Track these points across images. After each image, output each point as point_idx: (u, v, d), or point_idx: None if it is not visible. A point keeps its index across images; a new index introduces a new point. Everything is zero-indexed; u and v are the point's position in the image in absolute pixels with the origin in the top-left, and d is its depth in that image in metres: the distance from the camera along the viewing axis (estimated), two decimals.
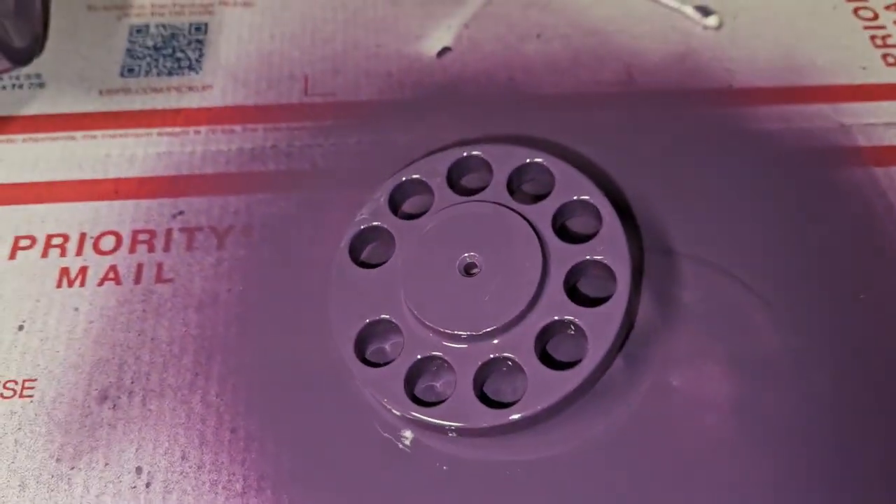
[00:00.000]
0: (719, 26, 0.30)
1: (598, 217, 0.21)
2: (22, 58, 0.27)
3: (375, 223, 0.23)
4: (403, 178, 0.23)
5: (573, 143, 0.25)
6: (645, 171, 0.25)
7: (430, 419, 0.19)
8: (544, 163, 0.22)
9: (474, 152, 0.23)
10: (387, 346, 0.21)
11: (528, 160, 0.22)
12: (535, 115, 0.27)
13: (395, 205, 0.23)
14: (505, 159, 0.23)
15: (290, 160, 0.26)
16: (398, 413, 0.20)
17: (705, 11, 0.30)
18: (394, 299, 0.21)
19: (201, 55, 0.29)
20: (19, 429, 0.21)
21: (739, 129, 0.26)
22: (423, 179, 0.23)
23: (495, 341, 0.20)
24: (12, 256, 0.24)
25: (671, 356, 0.21)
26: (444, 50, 0.29)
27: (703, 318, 0.22)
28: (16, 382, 0.21)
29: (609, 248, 0.21)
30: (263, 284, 0.23)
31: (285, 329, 0.22)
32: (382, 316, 0.21)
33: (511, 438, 0.20)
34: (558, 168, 0.22)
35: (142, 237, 0.24)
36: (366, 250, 0.23)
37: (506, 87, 0.28)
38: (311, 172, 0.25)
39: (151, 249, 0.24)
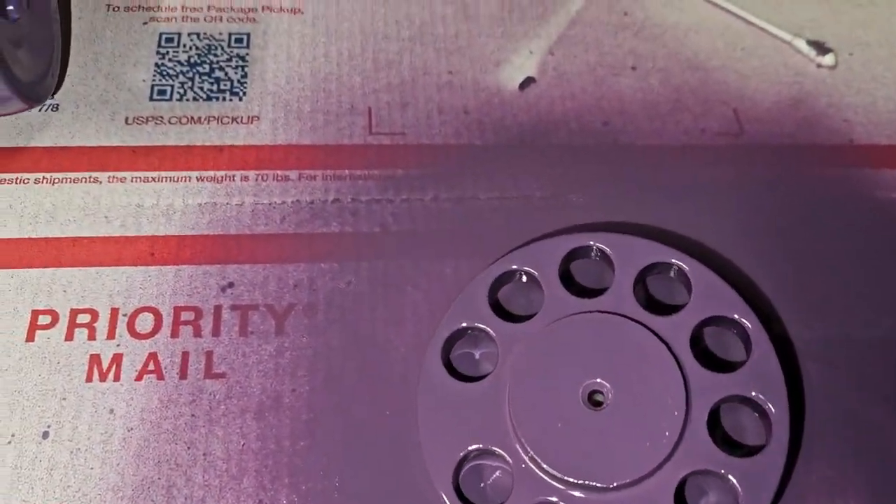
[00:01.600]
0: (835, 66, 0.26)
1: (746, 339, 0.18)
2: (36, 95, 0.22)
3: (473, 324, 0.19)
4: (505, 269, 0.19)
5: (690, 228, 0.22)
6: (768, 250, 0.22)
7: None
8: (682, 267, 0.19)
9: (593, 244, 0.19)
10: (489, 483, 0.18)
11: (657, 259, 0.19)
12: (637, 173, 0.23)
13: (494, 300, 0.19)
14: (629, 256, 0.19)
15: (357, 219, 0.22)
16: None
17: (820, 48, 0.26)
18: (499, 425, 0.18)
19: (245, 75, 0.24)
20: None
21: (861, 195, 0.23)
22: (531, 272, 0.19)
23: (627, 493, 0.17)
24: (31, 338, 0.20)
25: None
26: (528, 81, 0.25)
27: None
28: None
29: (762, 383, 0.17)
30: (334, 384, 0.20)
31: (365, 446, 0.19)
32: (486, 446, 0.18)
33: None
34: (697, 274, 0.19)
35: (185, 316, 0.20)
36: (459, 351, 0.19)
37: (601, 134, 0.24)
38: (382, 236, 0.22)
39: (198, 333, 0.20)
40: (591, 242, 0.19)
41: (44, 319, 0.20)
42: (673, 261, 0.19)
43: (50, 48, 0.23)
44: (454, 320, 0.19)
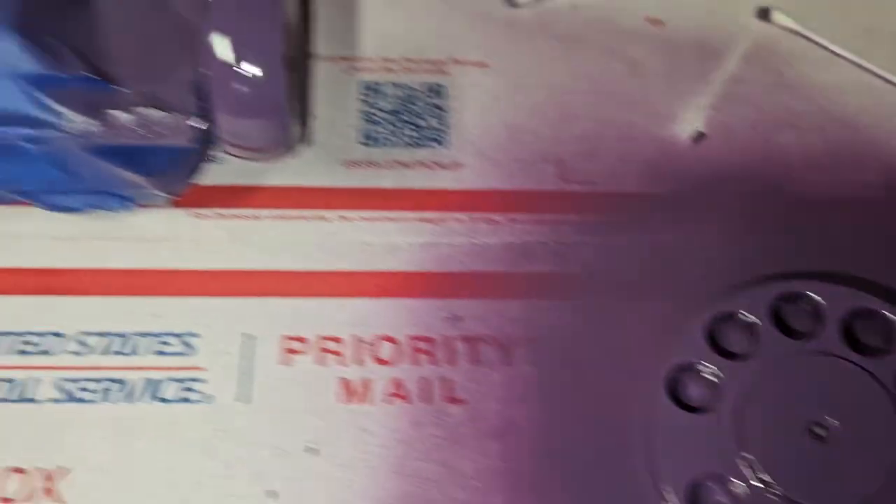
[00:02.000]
0: None
1: None
2: (292, 144, 0.24)
3: (694, 360, 0.21)
4: (722, 310, 0.22)
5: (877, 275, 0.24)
6: None
7: None
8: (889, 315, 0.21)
9: (805, 291, 0.21)
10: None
11: (864, 306, 0.21)
12: (810, 222, 0.25)
13: (710, 338, 0.22)
14: (838, 303, 0.21)
15: (564, 260, 0.24)
16: None
17: None
18: (729, 453, 0.20)
19: (444, 124, 0.27)
20: None
21: None
22: (745, 314, 0.21)
23: None
24: (285, 361, 0.22)
25: None
26: (699, 134, 0.27)
27: None
28: None
29: None
30: (561, 413, 0.22)
31: (595, 471, 0.21)
32: (718, 471, 0.20)
33: None
34: None
35: (421, 345, 0.22)
36: (680, 385, 0.22)
37: (770, 185, 0.26)
38: (588, 277, 0.24)
39: (435, 362, 0.22)
40: (805, 291, 0.21)
41: (295, 345, 0.22)
42: (879, 308, 0.21)
43: (301, 101, 0.25)
44: (675, 356, 0.21)
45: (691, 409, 0.21)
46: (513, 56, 0.28)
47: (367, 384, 0.22)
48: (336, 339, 0.22)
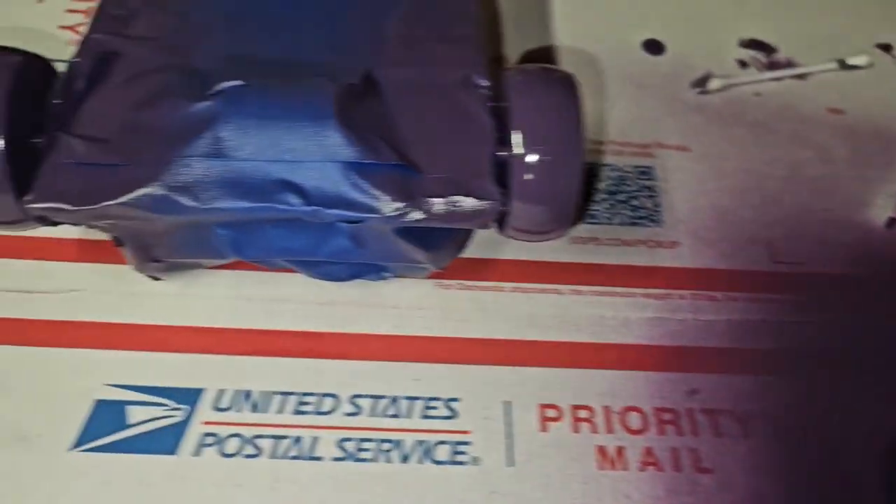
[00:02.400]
0: None
1: None
2: None
3: None
4: None
5: None
6: None
7: None
8: None
9: None
10: None
11: None
12: None
13: None
14: None
15: (783, 337, 0.26)
16: None
17: None
18: None
19: (657, 204, 0.28)
20: None
21: None
22: None
23: None
24: (543, 429, 0.23)
25: None
26: (891, 221, 0.29)
27: None
28: None
29: None
30: (801, 482, 0.23)
31: None
32: None
33: None
34: None
35: (665, 417, 0.24)
36: None
37: None
38: (807, 352, 0.25)
39: (680, 433, 0.24)
40: None
41: (550, 413, 0.24)
42: None
43: None
44: None
45: None
46: (709, 140, 0.30)
47: (621, 451, 0.23)
48: (587, 408, 0.24)
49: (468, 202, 0.21)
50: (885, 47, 0.34)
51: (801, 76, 0.33)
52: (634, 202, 0.28)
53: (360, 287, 0.25)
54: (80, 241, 0.25)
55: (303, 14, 0.24)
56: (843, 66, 0.33)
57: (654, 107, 0.31)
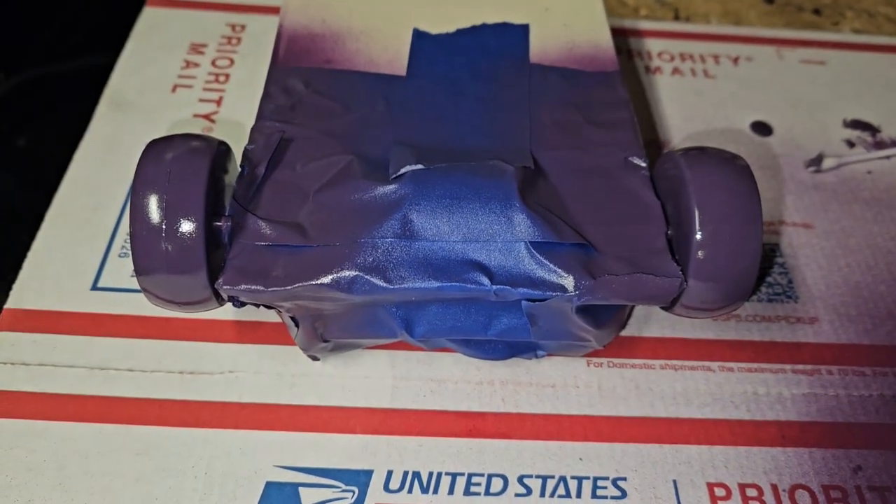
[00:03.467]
0: None
1: None
2: None
3: None
4: None
5: None
6: None
7: None
8: None
9: None
10: None
11: None
12: None
13: None
14: None
15: None
16: None
17: None
18: None
19: (790, 281, 0.29)
20: None
21: None
22: None
23: None
24: None
25: None
26: None
27: None
28: None
29: None
30: None
31: None
32: None
33: None
34: None
35: (834, 494, 0.24)
36: None
37: None
38: None
39: None
40: None
41: (719, 492, 0.24)
42: None
43: None
44: None
45: None
46: (831, 217, 0.31)
47: None
48: (755, 486, 0.24)
49: (651, 280, 0.21)
50: None
51: None
52: (769, 279, 0.29)
53: (515, 365, 0.26)
54: (238, 323, 0.26)
55: (459, 103, 0.25)
56: None
57: (772, 186, 0.32)
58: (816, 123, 0.35)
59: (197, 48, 0.35)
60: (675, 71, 0.36)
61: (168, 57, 0.34)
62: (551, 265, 0.21)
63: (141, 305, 0.26)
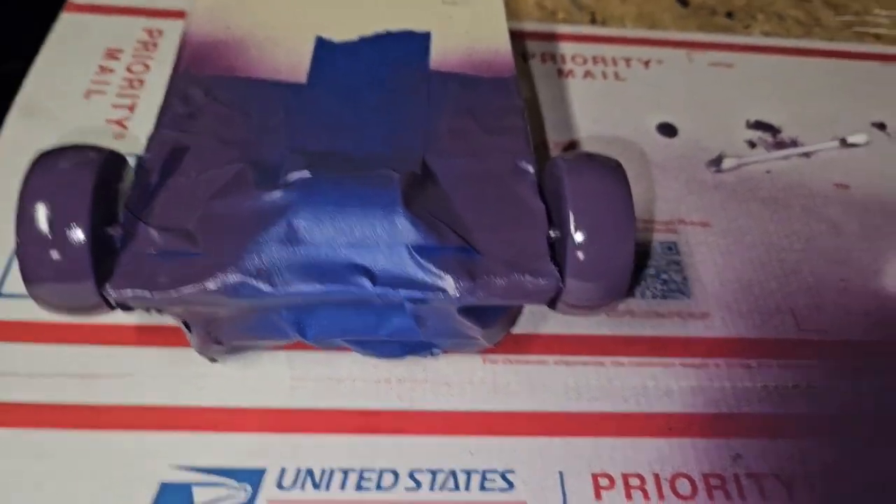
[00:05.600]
0: None
1: None
2: None
3: None
4: None
5: None
6: None
7: None
8: None
9: None
10: None
11: None
12: None
13: None
14: None
15: (818, 402, 0.27)
16: None
17: None
18: None
19: (685, 278, 0.30)
20: None
21: None
22: None
23: None
24: (598, 497, 0.24)
25: None
26: None
27: None
28: None
29: None
30: None
31: None
32: None
33: None
34: None
35: (713, 482, 0.25)
36: None
37: None
38: (843, 417, 0.26)
39: (728, 497, 0.24)
40: None
41: (603, 482, 0.25)
42: None
43: None
44: None
45: None
46: (728, 216, 0.32)
47: None
48: (639, 476, 0.25)
49: (529, 281, 0.22)
50: (880, 126, 0.37)
51: (806, 154, 0.35)
52: (664, 276, 0.30)
53: (411, 364, 0.26)
54: (137, 327, 0.26)
55: (358, 111, 0.26)
56: (844, 143, 0.36)
57: (673, 186, 0.33)
58: (720, 125, 0.36)
59: (113, 53, 0.35)
60: (587, 74, 0.37)
61: (83, 63, 0.35)
62: (432, 268, 0.22)
63: (43, 311, 0.26)
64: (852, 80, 0.39)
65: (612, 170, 0.23)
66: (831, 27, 0.43)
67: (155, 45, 0.36)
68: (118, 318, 0.26)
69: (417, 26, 0.30)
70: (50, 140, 0.31)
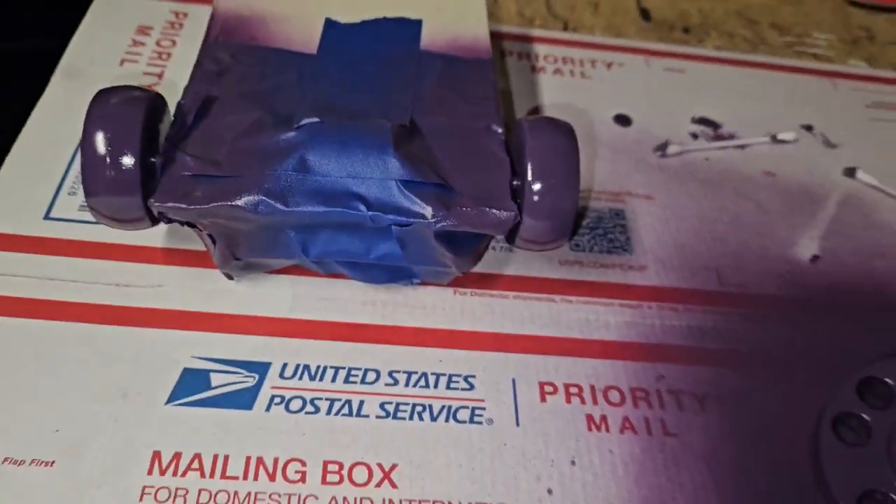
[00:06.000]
0: None
1: None
2: None
3: (850, 410, 0.29)
4: (867, 375, 0.30)
5: None
6: None
7: None
8: None
9: None
10: None
11: None
12: None
13: (860, 393, 0.30)
14: None
15: (731, 340, 0.32)
16: None
17: None
18: (886, 475, 0.27)
19: (628, 239, 0.35)
20: None
21: None
22: (885, 379, 0.30)
23: None
24: (543, 400, 0.29)
25: None
26: (814, 257, 0.36)
27: None
28: None
29: None
30: (746, 449, 0.29)
31: (774, 490, 0.28)
32: (881, 489, 0.27)
33: None
34: None
35: (639, 394, 0.30)
36: (841, 428, 0.29)
37: (878, 299, 0.35)
38: (752, 353, 0.32)
39: (650, 406, 0.30)
40: None
41: (548, 389, 0.30)
42: None
43: None
44: (832, 410, 0.29)
45: (854, 445, 0.29)
46: (670, 193, 0.38)
47: (604, 418, 0.29)
48: (577, 386, 0.30)
49: (493, 213, 0.27)
50: (808, 127, 0.43)
51: (741, 146, 0.41)
52: (610, 235, 0.35)
53: (394, 291, 0.32)
54: (166, 250, 0.31)
55: (357, 78, 0.31)
56: (775, 140, 0.41)
57: (625, 165, 0.39)
58: (669, 119, 0.42)
59: (144, 30, 0.41)
60: (557, 71, 0.43)
61: (117, 36, 0.40)
62: (415, 198, 0.27)
63: (85, 232, 0.31)
64: (789, 90, 0.45)
65: (565, 131, 0.29)
66: (775, 46, 0.49)
67: (181, 24, 0.41)
68: (152, 240, 0.31)
69: (411, 15, 0.35)
70: (89, 97, 0.36)
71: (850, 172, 0.40)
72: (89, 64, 0.38)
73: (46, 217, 0.32)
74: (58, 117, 0.36)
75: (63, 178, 0.33)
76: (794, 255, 0.36)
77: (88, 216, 0.32)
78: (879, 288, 0.35)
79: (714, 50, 0.47)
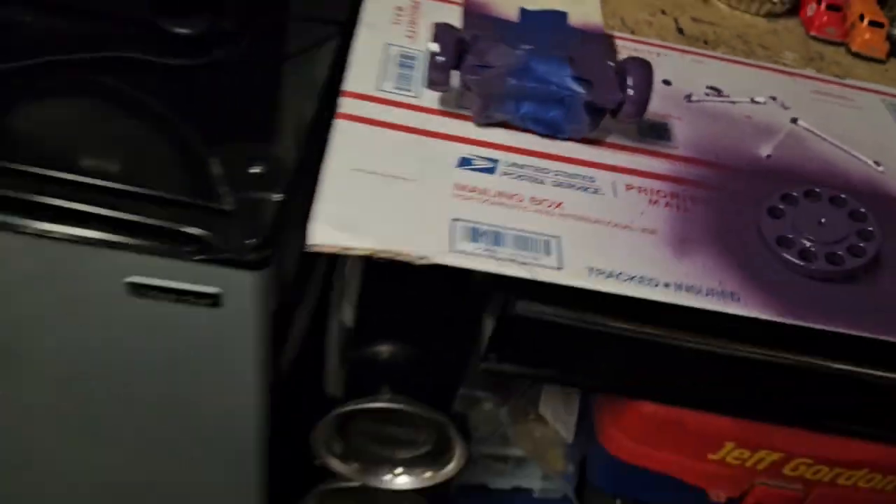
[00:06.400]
0: None
1: None
2: None
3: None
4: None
5: None
6: None
7: None
8: None
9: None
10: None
11: None
12: None
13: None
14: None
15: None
16: None
17: None
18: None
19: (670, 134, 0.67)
20: None
21: None
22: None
23: None
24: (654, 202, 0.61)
25: None
26: (769, 156, 0.68)
27: None
28: None
29: None
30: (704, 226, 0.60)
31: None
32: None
33: None
34: None
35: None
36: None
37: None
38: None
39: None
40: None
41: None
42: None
43: None
44: (768, 202, 0.61)
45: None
46: (692, 116, 0.70)
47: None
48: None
49: (615, 93, 0.59)
50: (773, 98, 0.75)
51: (732, 102, 0.73)
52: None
53: (547, 142, 0.63)
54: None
55: (536, 40, 0.64)
56: (753, 101, 0.73)
57: (667, 107, 0.71)
58: (693, 88, 0.74)
59: (399, 9, 0.73)
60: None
61: (387, 8, 0.72)
62: (580, 88, 0.59)
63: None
64: (768, 80, 0.76)
65: (646, 63, 0.61)
66: (761, 57, 0.81)
67: (418, 6, 0.74)
68: (425, 101, 0.63)
69: (564, 8, 0.68)
70: (375, 40, 0.68)
71: (794, 121, 0.72)
72: (375, 21, 0.71)
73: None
74: (366, 43, 0.68)
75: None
76: (758, 154, 0.67)
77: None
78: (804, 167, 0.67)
79: (723, 54, 0.79)
